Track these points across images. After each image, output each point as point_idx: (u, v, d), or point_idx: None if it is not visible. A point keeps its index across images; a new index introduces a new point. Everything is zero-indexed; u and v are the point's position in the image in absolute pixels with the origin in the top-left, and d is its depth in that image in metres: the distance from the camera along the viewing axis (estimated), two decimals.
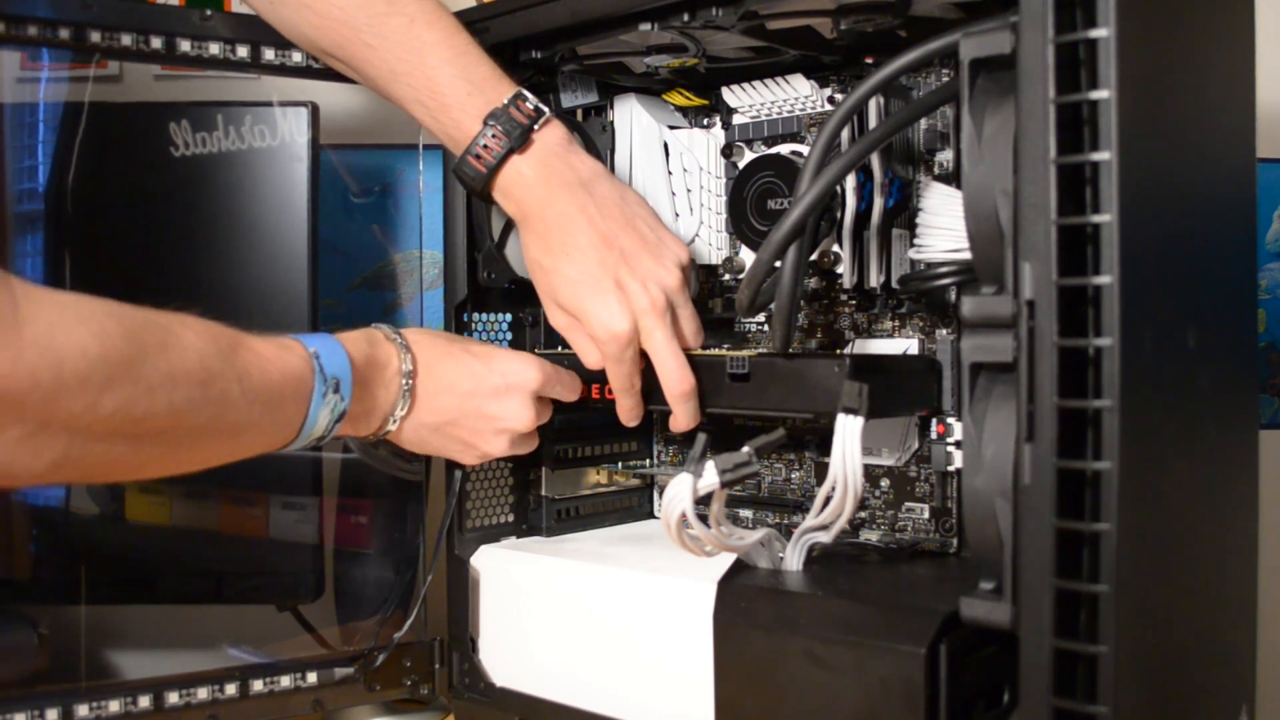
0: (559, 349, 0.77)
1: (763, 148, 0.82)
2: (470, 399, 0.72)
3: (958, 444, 0.72)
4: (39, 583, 0.93)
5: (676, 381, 0.70)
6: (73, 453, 0.52)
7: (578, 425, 0.88)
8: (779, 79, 0.80)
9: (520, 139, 0.71)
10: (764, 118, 0.82)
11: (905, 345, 0.77)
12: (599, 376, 0.74)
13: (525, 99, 0.72)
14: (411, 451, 0.76)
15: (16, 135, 0.92)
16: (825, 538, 0.68)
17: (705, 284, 0.88)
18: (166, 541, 0.95)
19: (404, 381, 0.70)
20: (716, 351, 0.72)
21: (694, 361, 0.71)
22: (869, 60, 0.78)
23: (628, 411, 0.74)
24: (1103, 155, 0.48)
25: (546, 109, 0.72)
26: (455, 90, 0.72)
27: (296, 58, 0.82)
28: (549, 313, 0.74)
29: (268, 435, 0.64)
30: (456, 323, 0.83)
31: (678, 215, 0.86)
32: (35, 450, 0.50)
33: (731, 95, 0.82)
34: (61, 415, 0.50)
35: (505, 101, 0.71)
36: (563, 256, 0.71)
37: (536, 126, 0.71)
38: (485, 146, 0.71)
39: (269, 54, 0.82)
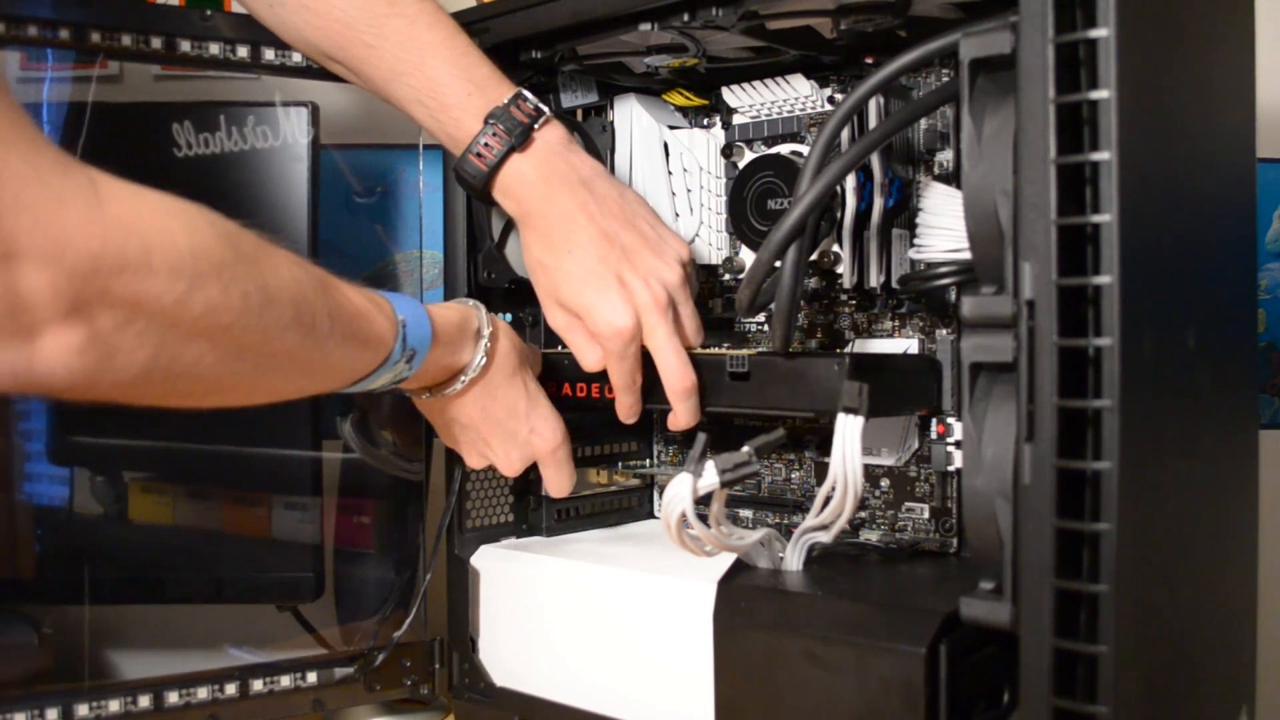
0: (559, 348, 0.77)
1: (763, 148, 0.82)
2: (499, 427, 0.75)
3: (958, 444, 0.72)
4: (42, 582, 0.93)
5: (678, 379, 0.70)
6: (163, 355, 0.50)
7: (578, 425, 0.88)
8: (779, 79, 0.80)
9: (521, 138, 0.71)
10: (764, 118, 0.82)
11: (905, 345, 0.77)
12: (599, 376, 0.74)
13: (525, 99, 0.72)
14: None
15: None
16: (825, 538, 0.68)
17: (705, 284, 0.88)
18: (168, 541, 0.95)
19: (462, 379, 0.72)
20: (716, 350, 0.72)
21: (694, 360, 0.71)
22: (869, 60, 0.78)
23: (627, 409, 0.74)
24: (1103, 155, 0.48)
25: (546, 109, 0.72)
26: (456, 90, 0.72)
27: (296, 58, 0.82)
28: (548, 312, 0.74)
29: (338, 376, 0.65)
30: None
31: (678, 215, 0.86)
32: (129, 344, 0.48)
33: (731, 95, 0.82)
34: (152, 304, 0.48)
35: (506, 101, 0.71)
36: (564, 254, 0.71)
37: (537, 126, 0.72)
38: (486, 145, 0.71)
39: (269, 54, 0.82)
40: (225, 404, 0.58)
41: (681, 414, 0.71)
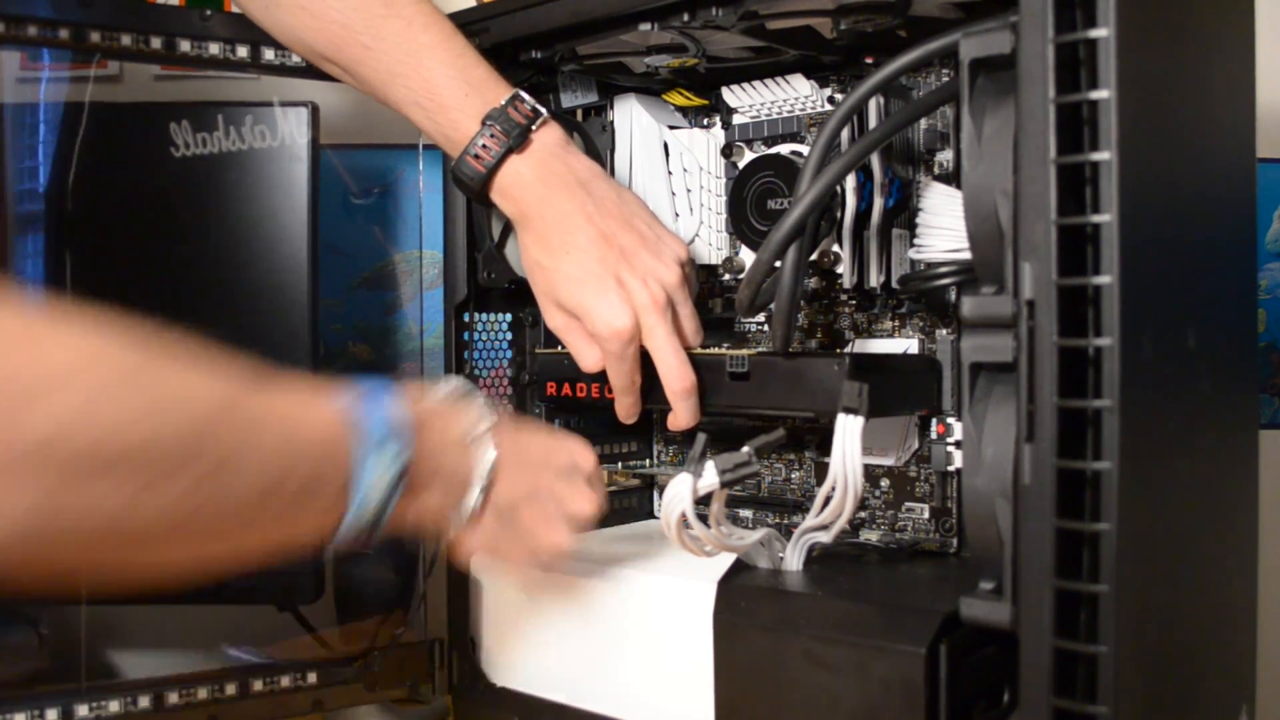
0: (558, 348, 0.77)
1: (763, 148, 0.82)
2: (543, 473, 0.67)
3: (958, 444, 0.72)
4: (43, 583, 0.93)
5: (677, 379, 0.70)
6: (46, 502, 0.43)
7: (577, 425, 0.88)
8: (779, 79, 0.80)
9: (519, 139, 0.71)
10: (764, 118, 0.82)
11: (905, 345, 0.77)
12: (598, 376, 0.74)
13: (523, 100, 0.72)
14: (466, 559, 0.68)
15: (17, 135, 0.92)
16: (825, 538, 0.68)
17: (705, 284, 0.88)
18: None
19: (484, 438, 0.63)
20: (716, 351, 0.72)
21: (694, 360, 0.71)
22: (869, 60, 0.78)
23: (627, 410, 0.74)
24: (1103, 155, 0.48)
25: (544, 110, 0.72)
26: (453, 91, 0.72)
27: (296, 58, 0.82)
28: (546, 314, 0.74)
29: (303, 510, 0.54)
30: (457, 322, 0.83)
31: (678, 215, 0.86)
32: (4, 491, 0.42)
33: (731, 95, 0.82)
34: (27, 437, 0.42)
35: (503, 102, 0.71)
36: (562, 255, 0.71)
37: (534, 127, 0.72)
38: (484, 146, 0.71)
39: (269, 54, 0.82)
40: (147, 577, 0.50)
41: (681, 414, 0.71)
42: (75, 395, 0.44)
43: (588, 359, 0.73)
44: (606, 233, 0.71)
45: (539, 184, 0.72)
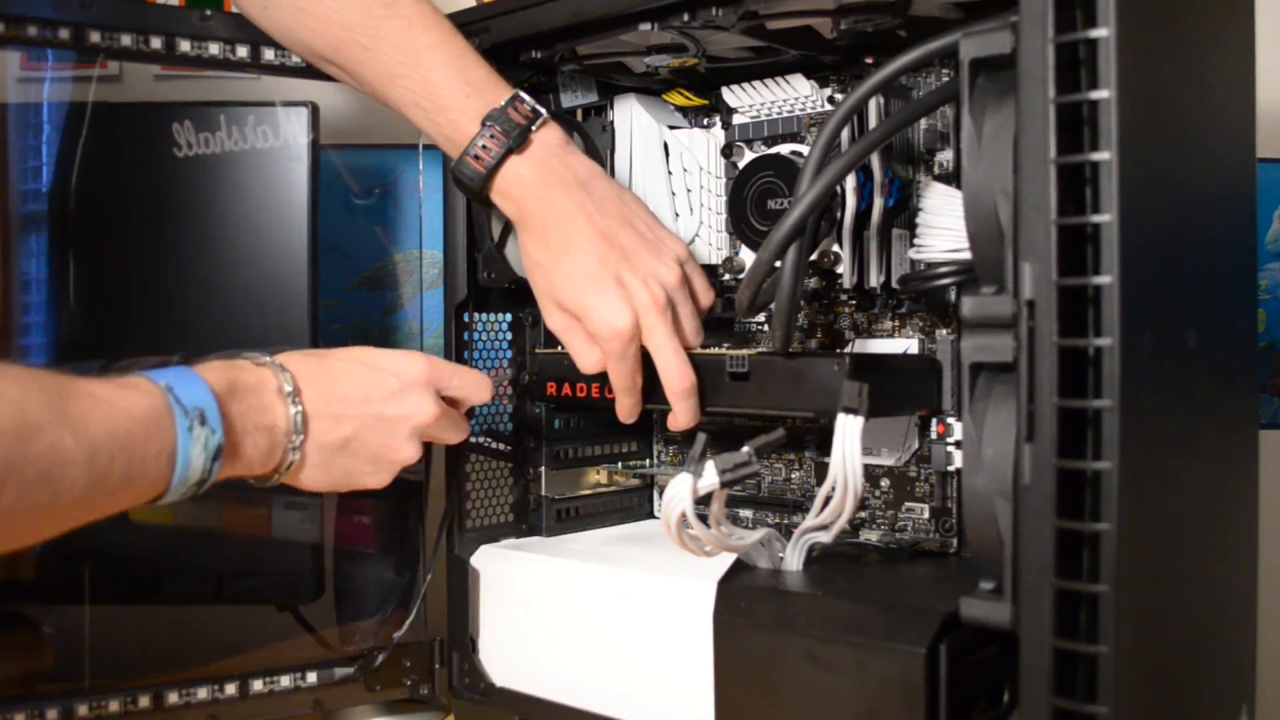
0: (558, 349, 0.77)
1: (763, 148, 0.82)
2: (367, 405, 0.67)
3: (958, 444, 0.72)
4: (42, 583, 0.93)
5: (678, 379, 0.70)
6: None
7: (577, 425, 0.88)
8: (779, 79, 0.80)
9: (518, 139, 0.71)
10: (764, 118, 0.82)
11: (905, 345, 0.77)
12: (598, 376, 0.74)
13: (522, 100, 0.72)
14: (312, 492, 0.69)
15: (20, 136, 0.93)
16: (825, 538, 0.68)
17: None
18: (169, 541, 0.95)
19: (291, 401, 0.64)
20: (716, 351, 0.72)
21: (694, 360, 0.71)
22: (869, 60, 0.78)
23: (627, 410, 0.74)
24: (1103, 155, 0.48)
25: (544, 110, 0.72)
26: (453, 92, 0.72)
27: (296, 58, 0.82)
28: (546, 315, 0.74)
29: (129, 488, 0.56)
30: (457, 322, 0.83)
31: (678, 215, 0.86)
32: None
33: (731, 95, 0.82)
34: None
35: (503, 103, 0.71)
36: (562, 255, 0.71)
37: (534, 127, 0.72)
38: (484, 147, 0.71)
39: (269, 54, 0.82)
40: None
41: (681, 414, 0.71)
42: None
43: (588, 360, 0.73)
44: (606, 232, 0.71)
45: (539, 184, 0.72)
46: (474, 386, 0.73)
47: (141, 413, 0.56)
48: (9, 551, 0.52)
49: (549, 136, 0.72)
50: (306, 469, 0.66)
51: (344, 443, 0.66)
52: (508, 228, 0.83)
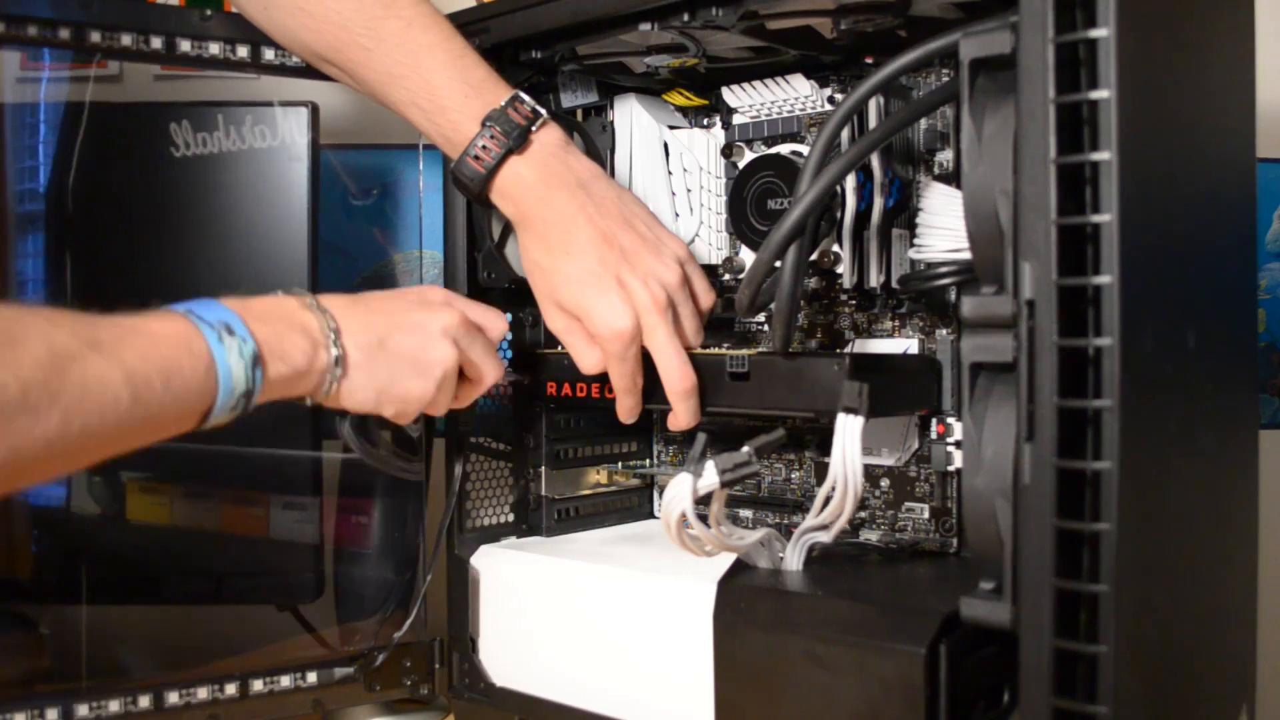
0: (559, 349, 0.77)
1: (763, 148, 0.82)
2: (392, 310, 0.68)
3: (958, 444, 0.72)
4: (40, 583, 0.93)
5: (679, 379, 0.70)
6: None
7: (577, 425, 0.88)
8: (779, 79, 0.80)
9: (519, 140, 0.71)
10: (764, 118, 0.82)
11: (905, 345, 0.77)
12: (599, 376, 0.74)
13: (522, 101, 0.72)
14: (367, 413, 0.69)
15: (17, 135, 0.93)
16: (825, 538, 0.68)
17: None
18: (167, 541, 0.95)
19: (315, 308, 0.64)
20: (716, 351, 0.72)
21: (694, 361, 0.71)
22: (869, 60, 0.78)
23: (628, 411, 0.74)
24: (1103, 155, 0.48)
25: (543, 111, 0.72)
26: (453, 93, 0.72)
27: (296, 58, 0.82)
28: (547, 315, 0.74)
29: (177, 405, 0.57)
30: None
31: (678, 215, 0.86)
32: None
33: (731, 95, 0.82)
34: None
35: (503, 103, 0.71)
36: (562, 255, 0.71)
37: (534, 128, 0.72)
38: (484, 148, 0.71)
39: (269, 54, 0.82)
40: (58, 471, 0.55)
41: (682, 414, 0.71)
42: None
43: (588, 360, 0.73)
44: (607, 233, 0.71)
45: (539, 185, 0.72)
46: (493, 316, 0.73)
47: (169, 332, 0.57)
48: (76, 469, 0.55)
49: (549, 137, 0.72)
50: (352, 371, 0.65)
51: (379, 342, 0.66)
52: (508, 228, 0.83)
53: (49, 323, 0.53)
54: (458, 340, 0.69)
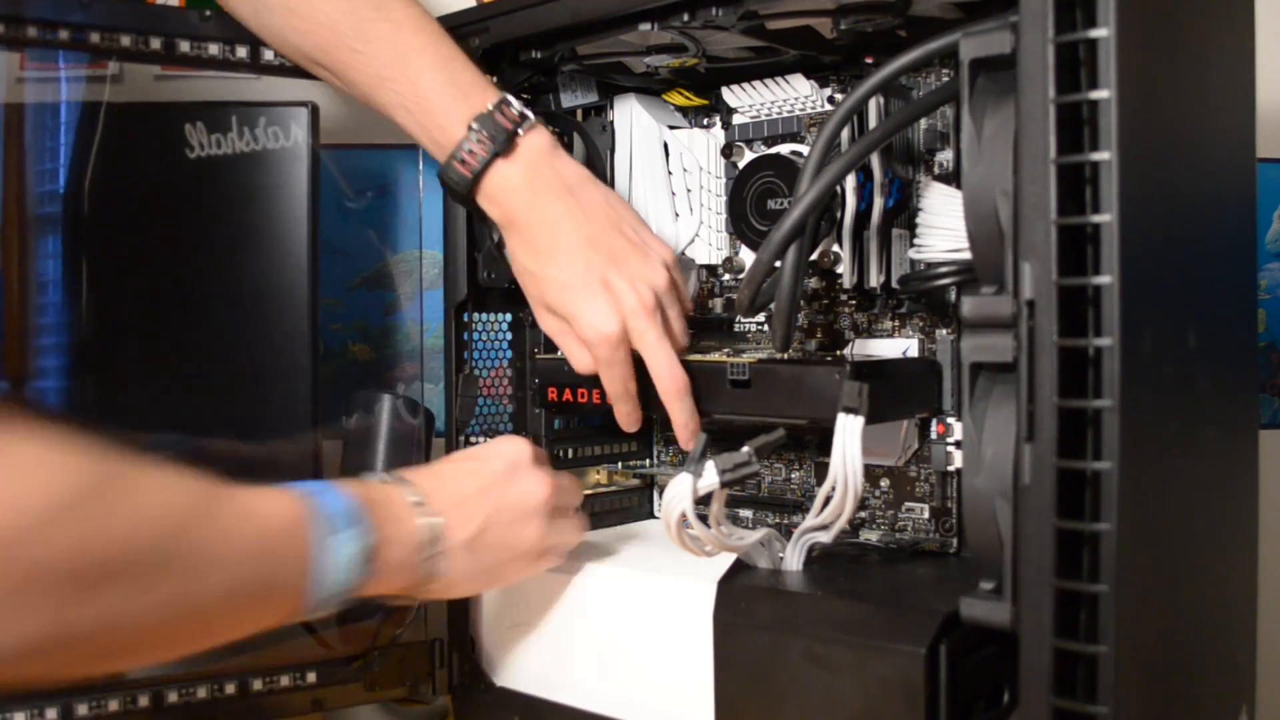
0: (558, 354, 0.77)
1: (763, 148, 0.82)
2: (486, 496, 0.67)
3: (958, 444, 0.72)
4: None
5: (670, 380, 0.70)
6: (52, 621, 0.45)
7: (577, 426, 0.88)
8: (779, 79, 0.80)
9: (505, 144, 0.71)
10: (764, 118, 0.82)
11: (905, 345, 0.77)
12: (598, 381, 0.74)
13: (510, 104, 0.71)
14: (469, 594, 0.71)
15: (35, 137, 0.92)
16: (825, 538, 0.68)
17: (705, 284, 0.88)
18: None
19: (420, 508, 0.64)
20: (717, 358, 0.72)
21: (694, 368, 0.71)
22: (869, 60, 0.78)
23: (626, 417, 0.74)
24: (1103, 155, 0.48)
25: (531, 114, 0.72)
26: (441, 96, 0.71)
27: None
28: (539, 318, 0.74)
29: (268, 597, 0.56)
30: (456, 322, 0.83)
31: (678, 215, 0.86)
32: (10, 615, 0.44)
33: (731, 95, 0.82)
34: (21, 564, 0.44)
35: (490, 107, 0.71)
36: (549, 260, 0.71)
37: (521, 131, 0.71)
38: (470, 151, 0.71)
39: (268, 54, 0.82)
40: (144, 661, 0.56)
41: (678, 414, 0.71)
42: (60, 518, 0.45)
43: (580, 361, 0.73)
44: (593, 237, 0.70)
45: (525, 189, 0.71)
46: (569, 483, 0.73)
47: (281, 516, 0.57)
48: (150, 662, 0.54)
49: (536, 141, 0.72)
50: (458, 571, 0.65)
51: (478, 536, 0.66)
52: None
53: (179, 481, 0.52)
54: (549, 515, 0.70)
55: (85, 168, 0.90)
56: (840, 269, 0.76)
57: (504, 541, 0.68)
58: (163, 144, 0.91)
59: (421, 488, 0.65)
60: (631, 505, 0.91)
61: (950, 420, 0.73)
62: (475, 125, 0.71)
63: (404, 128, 0.74)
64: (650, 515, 0.92)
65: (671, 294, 0.72)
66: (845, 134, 0.72)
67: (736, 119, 0.83)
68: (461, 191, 0.72)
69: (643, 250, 0.72)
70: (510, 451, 0.70)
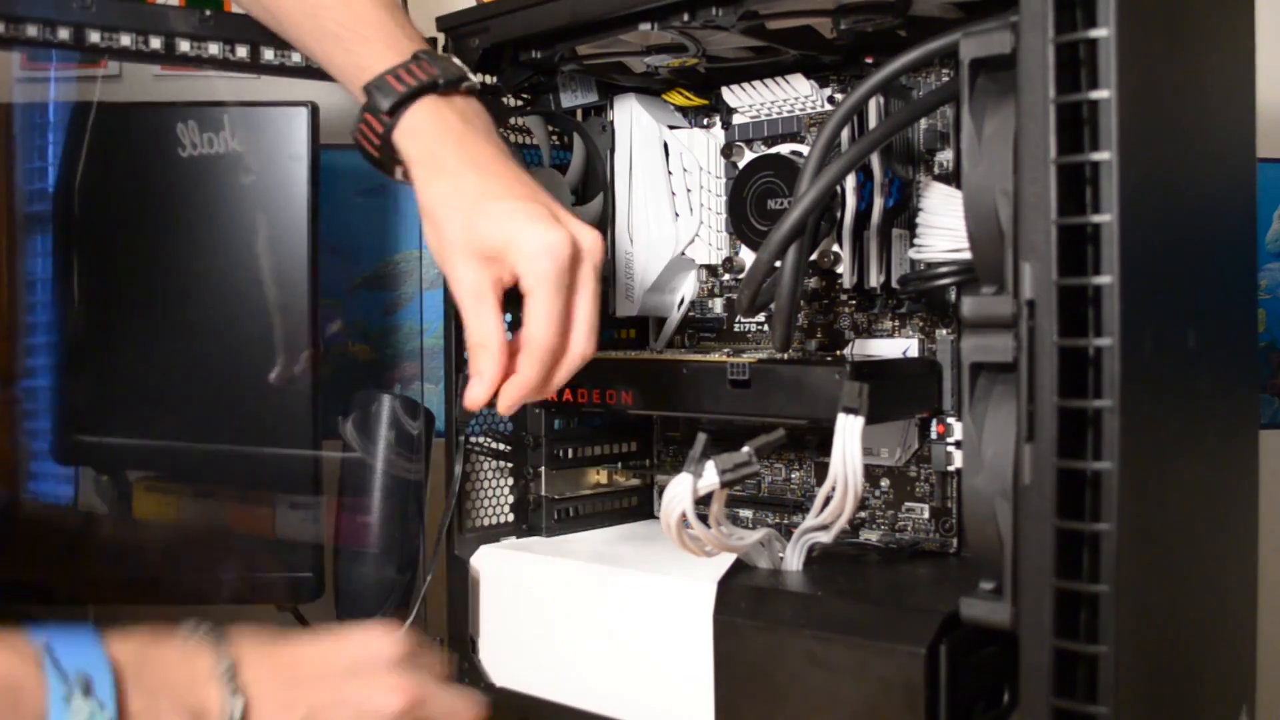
0: None
1: (763, 148, 0.82)
2: (321, 685, 0.57)
3: (958, 444, 0.72)
4: (46, 582, 0.93)
5: (588, 341, 0.63)
6: None
7: (577, 426, 0.88)
8: (779, 79, 0.80)
9: (449, 83, 0.65)
10: (764, 118, 0.82)
11: (905, 345, 0.77)
12: (599, 381, 0.73)
13: (456, 60, 0.68)
14: None
15: (25, 136, 0.93)
16: (825, 538, 0.68)
17: (705, 284, 0.88)
18: (170, 540, 0.95)
19: (227, 681, 0.53)
20: (717, 357, 0.72)
21: (695, 367, 0.71)
22: (869, 60, 0.77)
23: (537, 381, 0.63)
24: (1103, 155, 0.48)
25: (478, 85, 0.68)
26: (383, 27, 0.67)
27: (296, 58, 0.82)
28: (455, 272, 0.63)
29: None
30: (456, 322, 0.82)
31: (678, 215, 0.86)
32: None
33: (731, 95, 0.82)
34: None
35: (439, 49, 0.68)
36: (485, 193, 0.62)
37: (465, 84, 0.67)
38: (409, 70, 0.65)
39: (269, 54, 0.82)
40: None
41: (559, 379, 0.64)
42: None
43: (488, 325, 0.62)
44: (534, 191, 0.64)
45: (460, 124, 0.65)
46: (462, 704, 0.61)
47: (13, 674, 0.48)
48: None
49: (477, 104, 0.67)
50: None
51: None
52: None
53: None
54: None
55: (76, 166, 0.90)
56: (840, 269, 0.76)
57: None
58: (155, 143, 0.91)
59: (242, 652, 0.55)
60: (631, 505, 0.91)
61: (950, 420, 0.73)
62: (422, 55, 0.66)
63: (317, 57, 0.70)
64: (650, 515, 0.92)
65: (599, 271, 0.64)
66: (845, 134, 0.72)
67: (736, 119, 0.83)
68: (384, 106, 0.64)
69: (578, 215, 0.66)
70: (374, 645, 0.59)
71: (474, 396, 0.63)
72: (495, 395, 0.63)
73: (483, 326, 0.62)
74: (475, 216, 0.62)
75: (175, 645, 0.54)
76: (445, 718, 0.60)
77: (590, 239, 0.63)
